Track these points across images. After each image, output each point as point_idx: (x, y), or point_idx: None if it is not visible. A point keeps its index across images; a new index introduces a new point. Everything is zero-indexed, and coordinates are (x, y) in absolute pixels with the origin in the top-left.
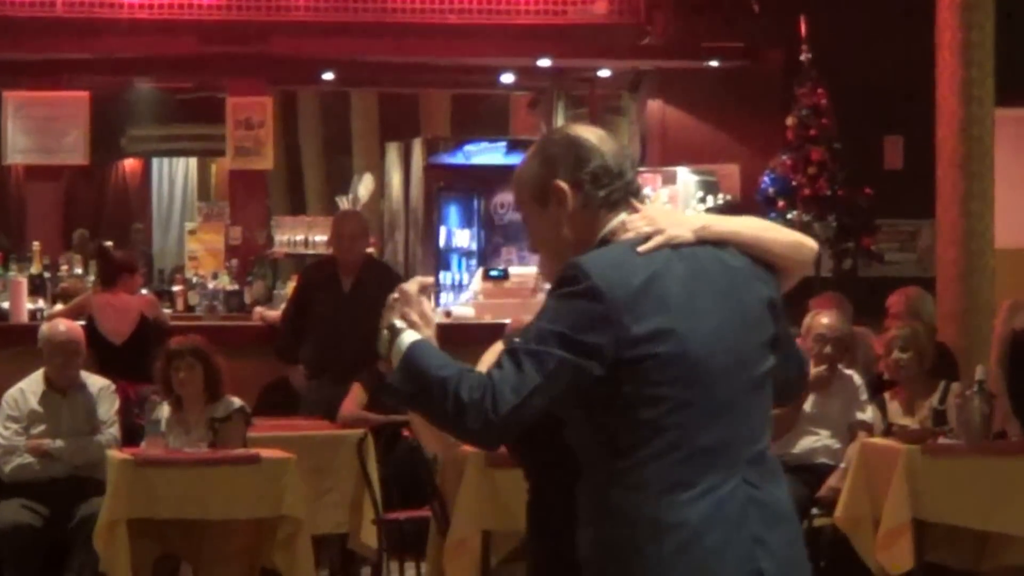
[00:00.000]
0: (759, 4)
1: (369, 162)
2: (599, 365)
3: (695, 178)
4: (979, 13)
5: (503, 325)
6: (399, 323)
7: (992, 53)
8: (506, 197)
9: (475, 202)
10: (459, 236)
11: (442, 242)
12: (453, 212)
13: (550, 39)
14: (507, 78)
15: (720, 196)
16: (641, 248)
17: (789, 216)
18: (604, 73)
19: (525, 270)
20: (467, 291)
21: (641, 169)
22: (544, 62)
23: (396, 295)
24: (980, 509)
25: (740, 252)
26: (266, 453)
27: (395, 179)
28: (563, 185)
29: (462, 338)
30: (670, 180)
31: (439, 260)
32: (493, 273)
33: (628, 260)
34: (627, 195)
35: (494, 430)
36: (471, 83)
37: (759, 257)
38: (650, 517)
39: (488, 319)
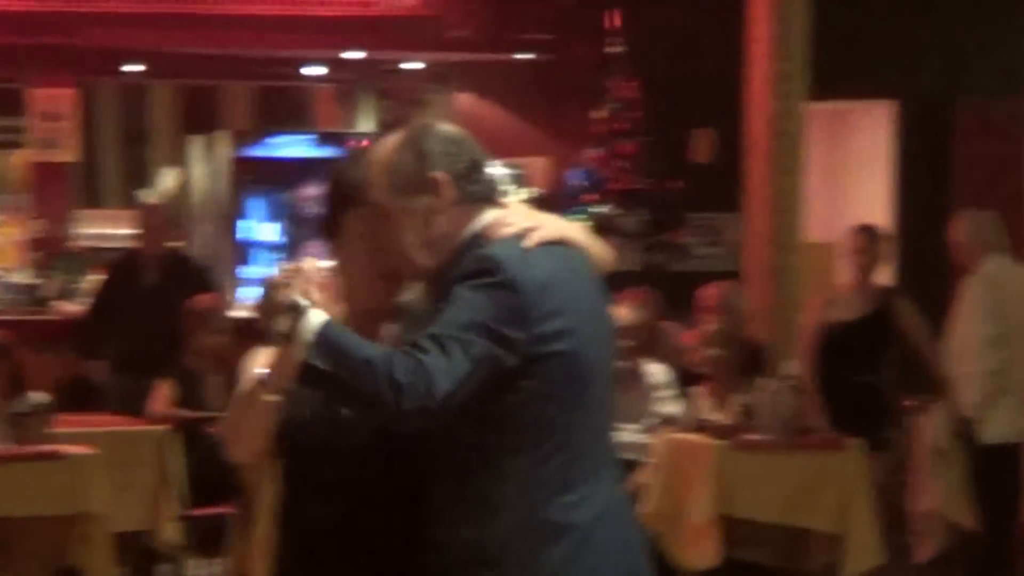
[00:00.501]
0: None
1: (169, 155)
2: (514, 358)
3: (504, 171)
4: (792, 7)
5: None
6: (302, 301)
7: (804, 47)
8: (312, 190)
9: (281, 195)
10: (264, 230)
11: (246, 235)
12: (257, 205)
13: (357, 31)
14: (313, 70)
15: (529, 189)
16: (528, 243)
17: (598, 210)
18: (412, 66)
19: (328, 264)
20: None
21: None
22: (352, 54)
23: (292, 272)
24: (788, 505)
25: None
26: (69, 449)
27: (200, 172)
28: (441, 178)
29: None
30: None
31: (244, 254)
32: None
33: (528, 256)
34: (492, 191)
35: (430, 414)
36: (276, 75)
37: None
38: (542, 519)
39: None
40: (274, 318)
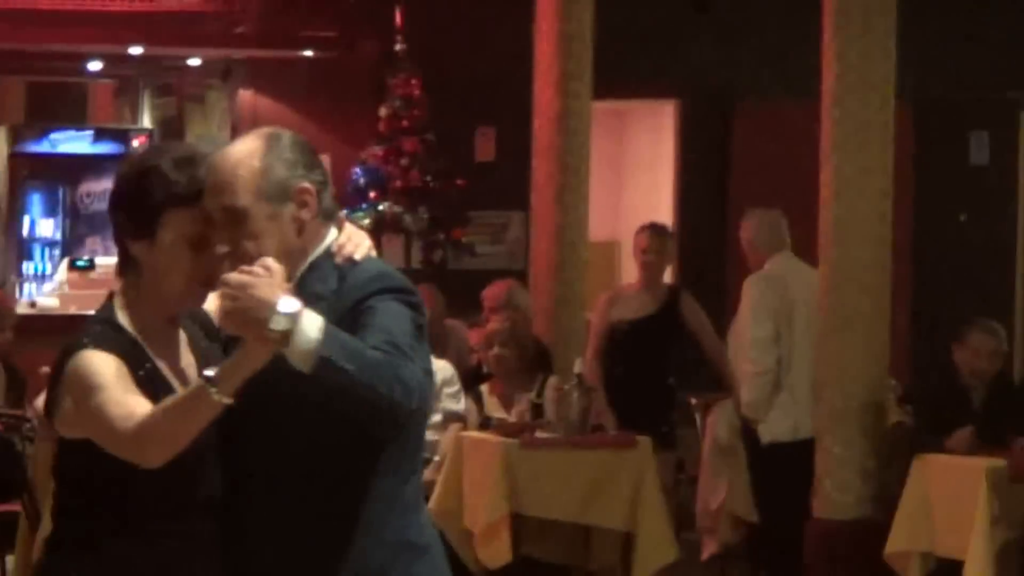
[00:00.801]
0: None
1: None
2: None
3: None
4: (578, 5)
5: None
6: (294, 302)
7: (591, 45)
8: (92, 186)
9: (60, 191)
10: (43, 225)
11: (25, 232)
12: (37, 201)
13: (140, 26)
14: (93, 66)
15: None
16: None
17: (380, 207)
18: (194, 62)
19: (112, 260)
20: (52, 281)
21: None
22: (135, 50)
23: (259, 271)
24: (578, 503)
25: None
26: None
27: None
28: (310, 188)
29: (46, 328)
30: None
31: (22, 250)
32: (79, 263)
33: None
34: (337, 209)
35: (408, 418)
36: (54, 70)
37: None
38: (407, 540)
39: (73, 310)
40: (257, 319)
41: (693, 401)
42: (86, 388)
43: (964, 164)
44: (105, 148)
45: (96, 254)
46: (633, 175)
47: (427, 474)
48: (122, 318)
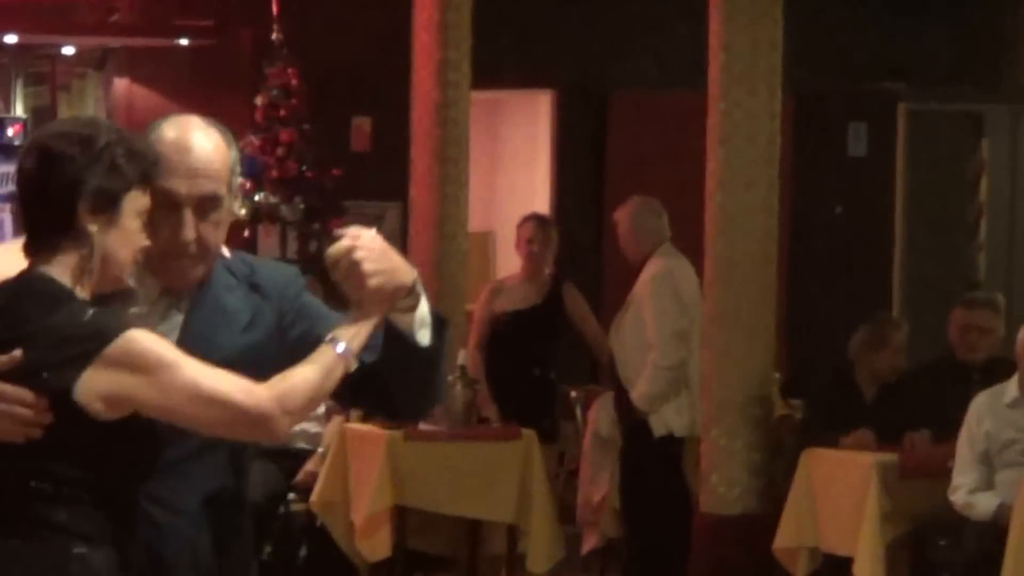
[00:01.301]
0: None
1: None
2: None
3: None
4: None
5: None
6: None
7: (470, 35)
8: None
9: None
10: None
11: None
12: None
13: (14, 14)
14: None
15: None
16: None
17: (256, 197)
18: (68, 50)
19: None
20: None
21: None
22: (9, 38)
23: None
24: (462, 495)
25: None
26: None
27: None
28: (245, 184)
29: None
30: None
31: None
32: None
33: None
34: None
35: None
36: None
37: None
38: None
39: None
40: (403, 283)
41: (573, 394)
42: (163, 365)
43: (842, 156)
44: None
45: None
46: (508, 166)
47: (310, 465)
48: (81, 295)
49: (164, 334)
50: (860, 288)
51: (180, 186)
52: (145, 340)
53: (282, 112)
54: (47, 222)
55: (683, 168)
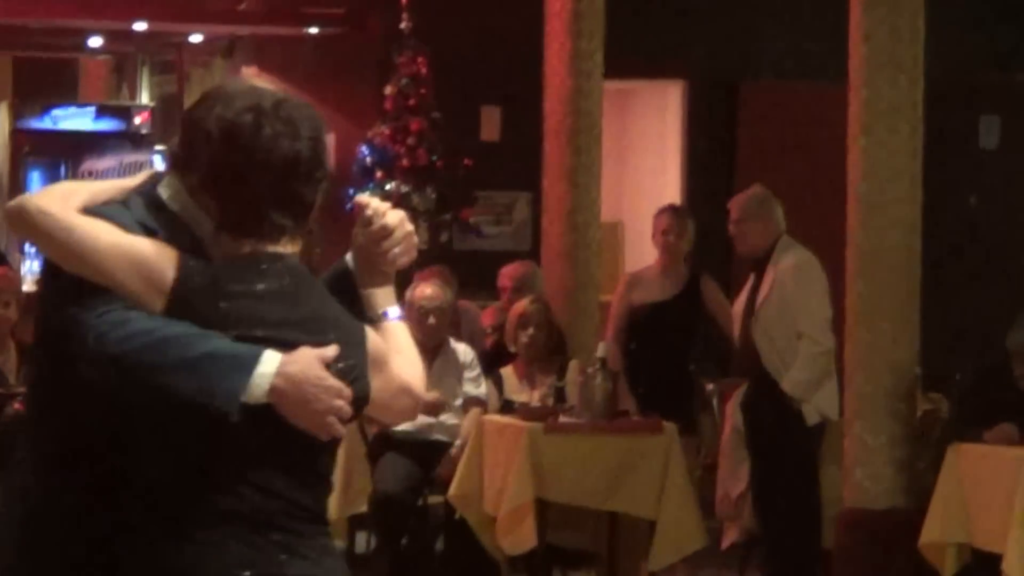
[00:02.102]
0: None
1: None
2: None
3: None
4: None
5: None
6: None
7: (603, 24)
8: (94, 163)
9: (62, 168)
10: None
11: None
12: (38, 178)
13: (142, 2)
14: (93, 41)
15: None
16: None
17: (387, 187)
18: (195, 38)
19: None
20: None
21: None
22: (138, 26)
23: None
24: (603, 488)
25: None
26: None
27: None
28: None
29: None
30: None
31: None
32: None
33: None
34: None
35: None
36: (50, 46)
37: None
38: None
39: None
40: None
41: (710, 387)
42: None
43: (975, 148)
44: (107, 125)
45: None
46: (638, 156)
47: (452, 457)
48: None
49: None
50: (996, 281)
51: None
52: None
53: (412, 101)
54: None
55: (815, 159)
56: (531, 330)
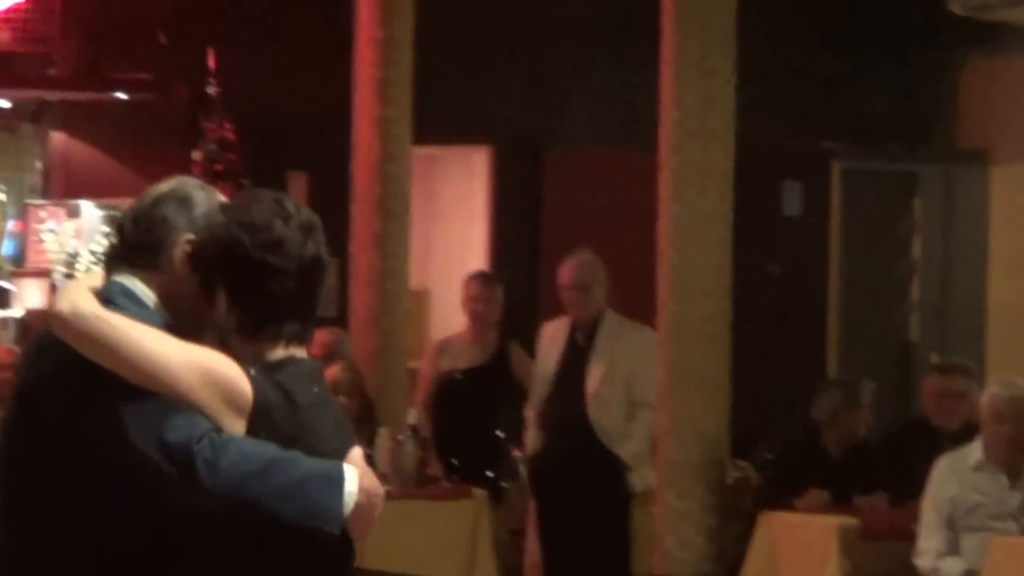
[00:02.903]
0: (167, 36)
1: None
2: None
3: (99, 212)
4: (398, 51)
5: None
6: None
7: (410, 90)
8: None
9: None
10: None
11: None
12: None
13: None
14: None
15: None
16: None
17: None
18: (2, 103)
19: None
20: None
21: (44, 202)
22: None
23: None
24: (414, 554)
25: None
26: None
27: None
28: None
29: None
30: (74, 214)
31: None
32: None
33: None
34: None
35: None
36: None
37: None
38: None
39: None
40: None
41: (518, 453)
42: None
43: (777, 214)
44: None
45: None
46: (445, 222)
47: None
48: None
49: None
50: (796, 347)
51: None
52: None
53: (219, 167)
54: None
55: (620, 226)
56: (342, 398)
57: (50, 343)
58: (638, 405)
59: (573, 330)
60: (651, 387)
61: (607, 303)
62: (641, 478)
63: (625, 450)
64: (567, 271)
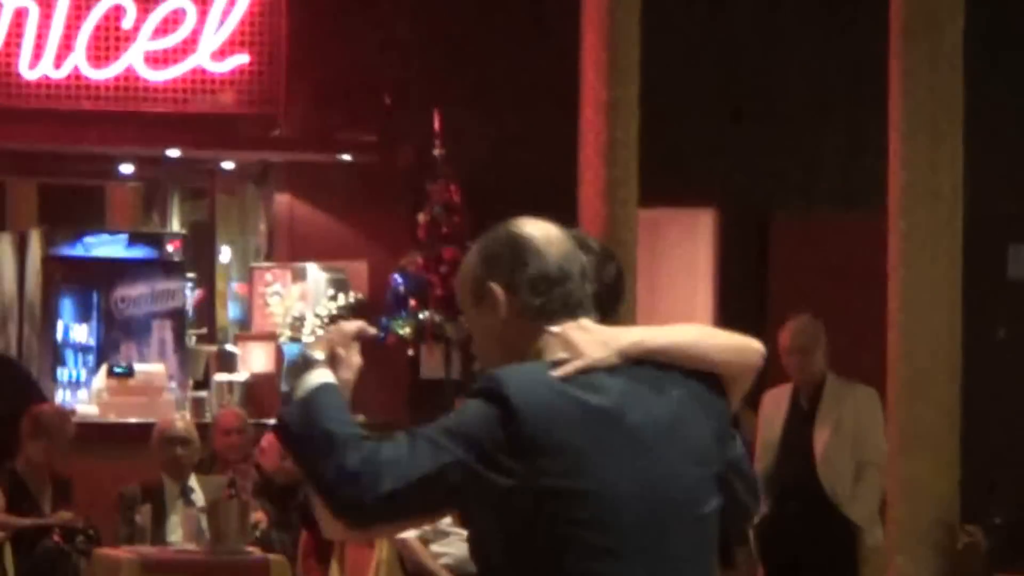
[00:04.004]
0: (392, 98)
1: None
2: (503, 479)
3: (325, 275)
4: (624, 111)
5: (128, 424)
6: (318, 355)
7: (637, 153)
8: (127, 291)
9: (94, 296)
10: (76, 331)
11: (59, 337)
12: (70, 305)
13: (174, 129)
14: (124, 168)
15: (351, 294)
16: (556, 373)
17: (421, 316)
18: (227, 165)
19: (150, 367)
20: (89, 388)
21: (269, 264)
22: (172, 153)
23: (331, 329)
24: None
25: (682, 371)
26: None
27: (7, 270)
28: (496, 288)
29: (86, 436)
30: (300, 276)
31: (56, 355)
32: (117, 370)
33: (547, 383)
34: (566, 307)
35: (363, 511)
36: (76, 172)
37: (703, 369)
38: None
39: (113, 417)
40: (287, 366)
41: None
42: None
43: (1002, 278)
44: (139, 252)
45: (131, 360)
46: (668, 285)
47: None
48: None
49: None
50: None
51: None
52: None
53: (445, 229)
54: None
55: (847, 289)
56: None
57: None
58: (866, 465)
59: (796, 394)
60: (878, 446)
61: (832, 367)
62: (874, 537)
63: (856, 511)
64: (787, 335)
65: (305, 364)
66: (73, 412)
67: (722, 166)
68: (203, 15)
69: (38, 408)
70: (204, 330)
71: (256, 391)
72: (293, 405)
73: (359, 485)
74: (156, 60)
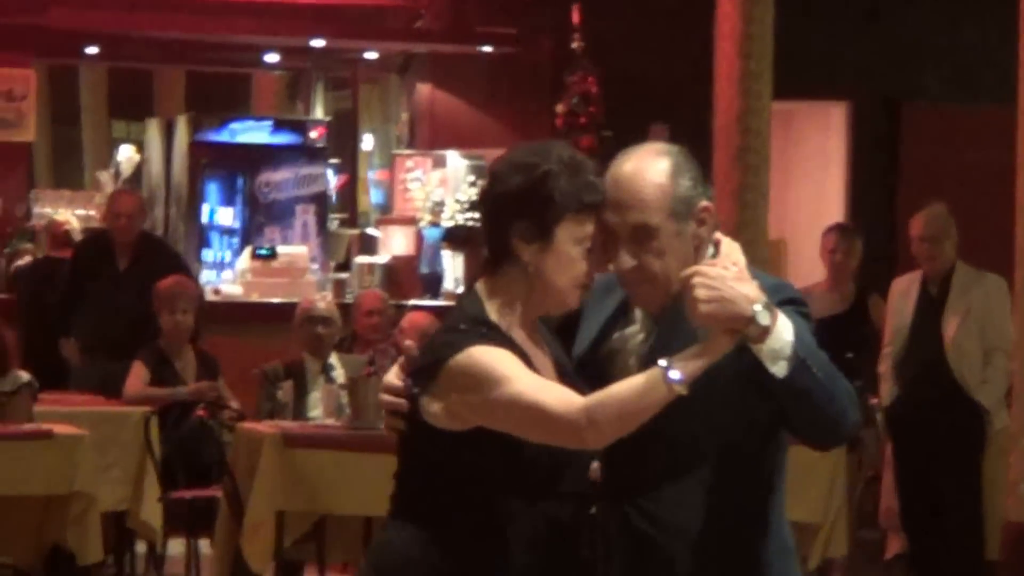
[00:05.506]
0: None
1: (97, 136)
2: None
3: (465, 162)
4: (760, 6)
5: (271, 304)
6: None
7: (771, 46)
8: (271, 176)
9: (239, 180)
10: (221, 214)
11: (204, 220)
12: (215, 190)
13: (320, 19)
14: (270, 57)
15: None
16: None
17: None
18: (370, 55)
19: (293, 249)
20: (234, 269)
21: (410, 152)
22: (316, 43)
23: (731, 266)
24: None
25: None
26: (58, 428)
27: (155, 155)
28: (710, 206)
29: (229, 315)
30: (440, 164)
31: (201, 238)
32: (261, 252)
33: None
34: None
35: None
36: (224, 61)
37: None
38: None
39: (256, 297)
40: (740, 312)
41: (873, 401)
42: (490, 381)
43: None
44: (283, 139)
45: (275, 243)
46: (802, 175)
47: None
48: (494, 315)
49: (642, 353)
50: None
51: (611, 217)
52: (483, 357)
53: (582, 119)
54: (489, 246)
55: (977, 180)
56: None
57: None
58: (994, 351)
59: (925, 282)
60: (1006, 333)
61: (961, 256)
62: (1000, 420)
63: (985, 395)
64: (918, 224)
65: (770, 312)
66: (217, 291)
67: (855, 60)
68: None
69: (162, 282)
70: (346, 214)
71: (396, 273)
72: (799, 345)
73: (855, 419)
74: None
